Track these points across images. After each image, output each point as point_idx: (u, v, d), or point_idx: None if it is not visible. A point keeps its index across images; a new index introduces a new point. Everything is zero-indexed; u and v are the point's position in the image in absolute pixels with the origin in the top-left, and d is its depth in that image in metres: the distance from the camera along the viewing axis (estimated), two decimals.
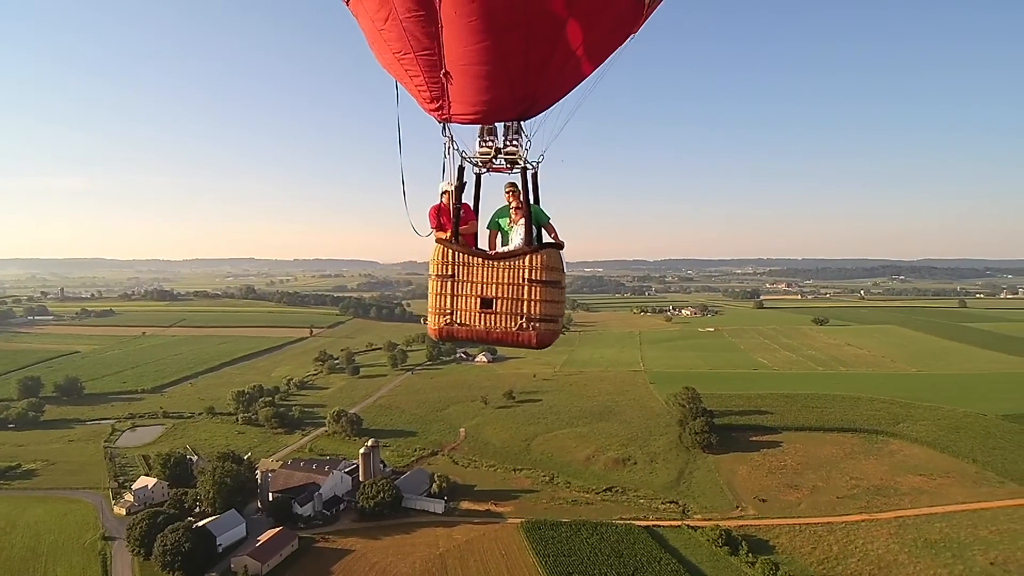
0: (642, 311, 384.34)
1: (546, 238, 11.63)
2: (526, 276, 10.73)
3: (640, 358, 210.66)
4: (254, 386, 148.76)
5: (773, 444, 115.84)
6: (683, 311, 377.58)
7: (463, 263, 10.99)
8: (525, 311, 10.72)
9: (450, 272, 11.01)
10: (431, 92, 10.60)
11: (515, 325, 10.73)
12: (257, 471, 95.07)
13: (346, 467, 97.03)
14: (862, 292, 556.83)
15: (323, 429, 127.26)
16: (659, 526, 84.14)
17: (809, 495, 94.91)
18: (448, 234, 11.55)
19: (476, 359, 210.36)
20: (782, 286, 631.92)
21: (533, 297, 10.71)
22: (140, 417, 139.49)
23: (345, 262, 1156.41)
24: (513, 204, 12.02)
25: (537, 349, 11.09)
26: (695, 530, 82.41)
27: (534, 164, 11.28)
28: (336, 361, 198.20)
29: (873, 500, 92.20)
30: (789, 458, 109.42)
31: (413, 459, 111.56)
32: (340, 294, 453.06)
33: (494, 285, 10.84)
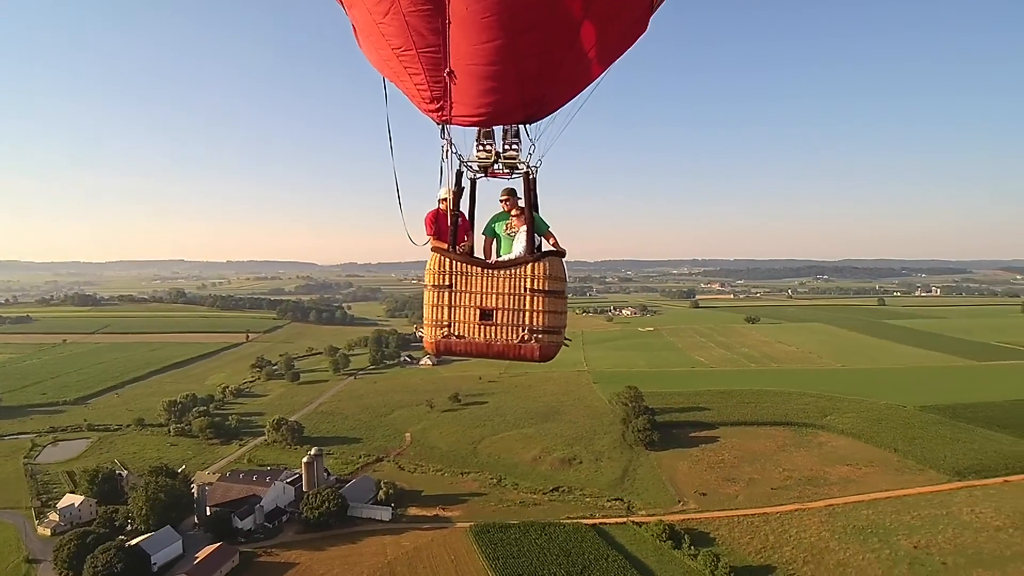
0: (584, 311, 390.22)
1: (546, 246, 11.18)
2: (528, 286, 10.21)
3: (583, 358, 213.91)
4: (187, 395, 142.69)
5: (711, 439, 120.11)
6: (623, 311, 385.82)
7: (461, 272, 10.42)
8: (527, 322, 10.17)
9: (447, 282, 10.41)
10: (432, 92, 10.02)
11: (517, 337, 10.18)
12: (193, 485, 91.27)
13: (288, 477, 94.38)
14: (790, 291, 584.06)
15: (262, 438, 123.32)
16: (605, 524, 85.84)
17: (746, 488, 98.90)
18: (446, 243, 10.98)
19: (421, 362, 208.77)
20: (716, 286, 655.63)
21: (535, 308, 10.19)
22: (62, 431, 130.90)
23: (282, 264, 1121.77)
24: (512, 212, 11.64)
25: (540, 362, 10.55)
26: (640, 526, 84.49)
27: (534, 169, 10.82)
28: (274, 367, 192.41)
29: (805, 490, 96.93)
30: (727, 452, 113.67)
31: (358, 466, 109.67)
32: (277, 297, 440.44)
33: (494, 295, 10.29)
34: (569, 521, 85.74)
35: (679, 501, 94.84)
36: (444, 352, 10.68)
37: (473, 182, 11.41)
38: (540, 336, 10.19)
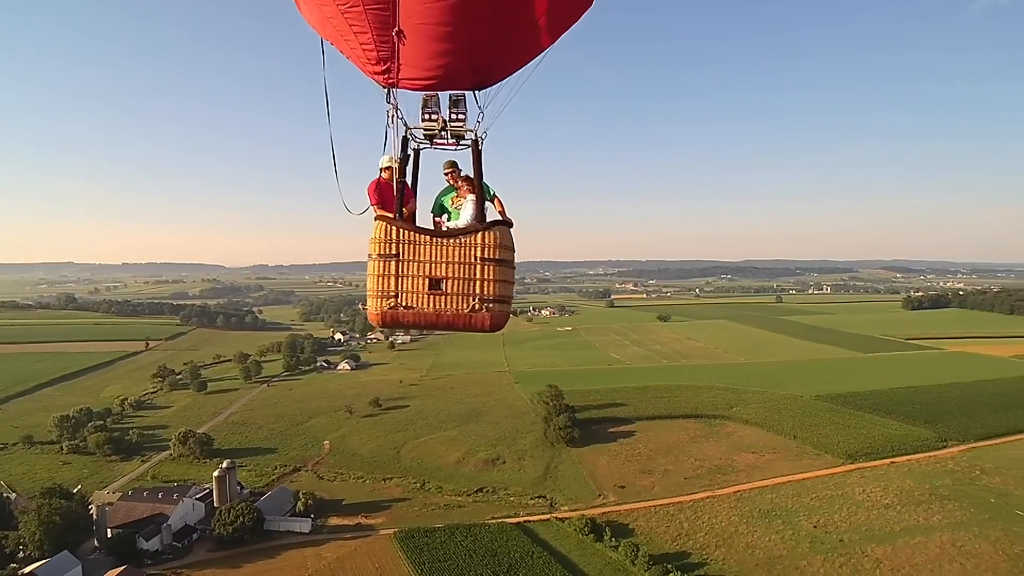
0: None
1: (494, 214, 11.03)
2: (478, 255, 10.01)
3: (504, 359, 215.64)
4: (81, 409, 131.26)
5: (628, 434, 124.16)
6: (543, 312, 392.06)
7: (408, 241, 10.08)
8: (478, 291, 10.00)
9: (394, 251, 10.04)
10: (378, 52, 9.67)
11: (467, 307, 9.98)
12: (92, 505, 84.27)
13: (197, 493, 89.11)
14: (697, 290, 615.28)
15: (167, 453, 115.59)
16: (530, 521, 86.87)
17: (661, 479, 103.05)
18: (390, 212, 10.66)
19: (339, 367, 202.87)
20: (629, 286, 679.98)
21: (486, 276, 10.02)
22: None
23: (185, 266, 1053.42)
24: (458, 184, 11.55)
25: (491, 332, 10.42)
26: (563, 521, 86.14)
27: (482, 138, 10.52)
28: (179, 376, 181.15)
29: (715, 478, 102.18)
30: (643, 446, 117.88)
31: (274, 478, 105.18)
32: (180, 302, 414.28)
33: (444, 264, 10.00)
34: (494, 521, 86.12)
35: (599, 495, 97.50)
36: (390, 323, 10.35)
37: (417, 152, 11.31)
38: (491, 305, 10.08)
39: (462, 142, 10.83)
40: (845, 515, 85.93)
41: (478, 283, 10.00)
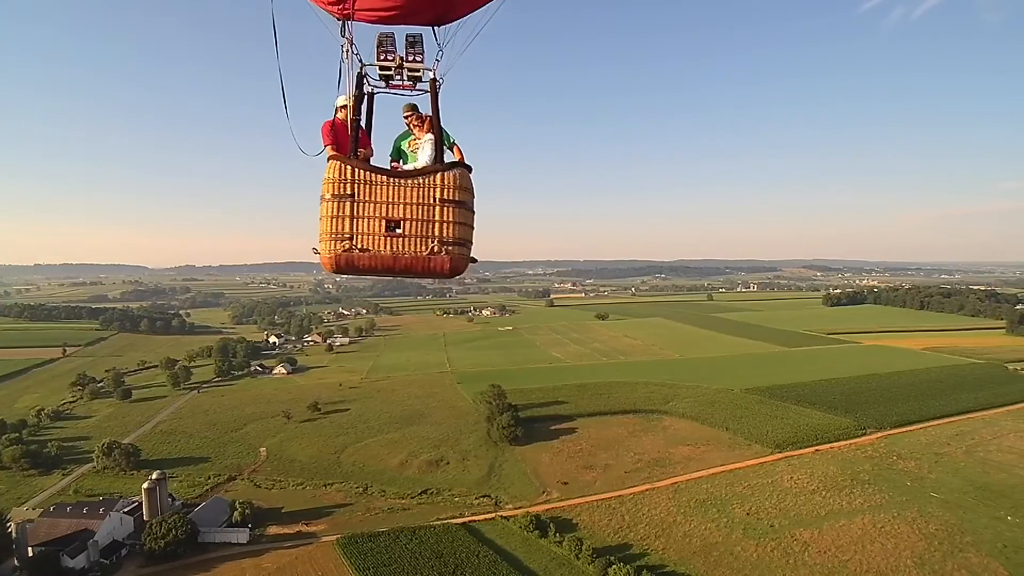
0: (445, 313, 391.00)
1: (452, 159, 10.63)
2: (437, 196, 9.71)
3: (446, 359, 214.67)
4: None
5: (570, 431, 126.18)
6: (483, 311, 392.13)
7: (364, 181, 9.66)
8: (437, 233, 9.70)
9: (349, 191, 9.60)
10: None
11: (426, 249, 9.64)
12: (10, 523, 78.24)
13: (125, 506, 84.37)
14: (633, 289, 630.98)
15: (90, 465, 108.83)
16: (475, 521, 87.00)
17: (602, 473, 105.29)
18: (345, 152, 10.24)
19: (274, 371, 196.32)
20: (568, 285, 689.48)
21: (445, 218, 9.73)
22: None
23: (104, 267, 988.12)
24: (417, 126, 11.13)
25: (449, 277, 10.18)
26: (508, 520, 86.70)
27: (440, 80, 10.16)
28: (100, 384, 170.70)
29: (653, 471, 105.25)
30: (584, 442, 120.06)
31: (207, 487, 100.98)
32: (100, 305, 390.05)
33: (401, 206, 9.67)
34: (439, 523, 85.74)
35: (543, 492, 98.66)
36: (345, 268, 9.79)
37: (371, 96, 10.87)
38: (450, 248, 9.79)
39: (420, 84, 10.51)
40: (775, 501, 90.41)
41: (437, 225, 9.72)
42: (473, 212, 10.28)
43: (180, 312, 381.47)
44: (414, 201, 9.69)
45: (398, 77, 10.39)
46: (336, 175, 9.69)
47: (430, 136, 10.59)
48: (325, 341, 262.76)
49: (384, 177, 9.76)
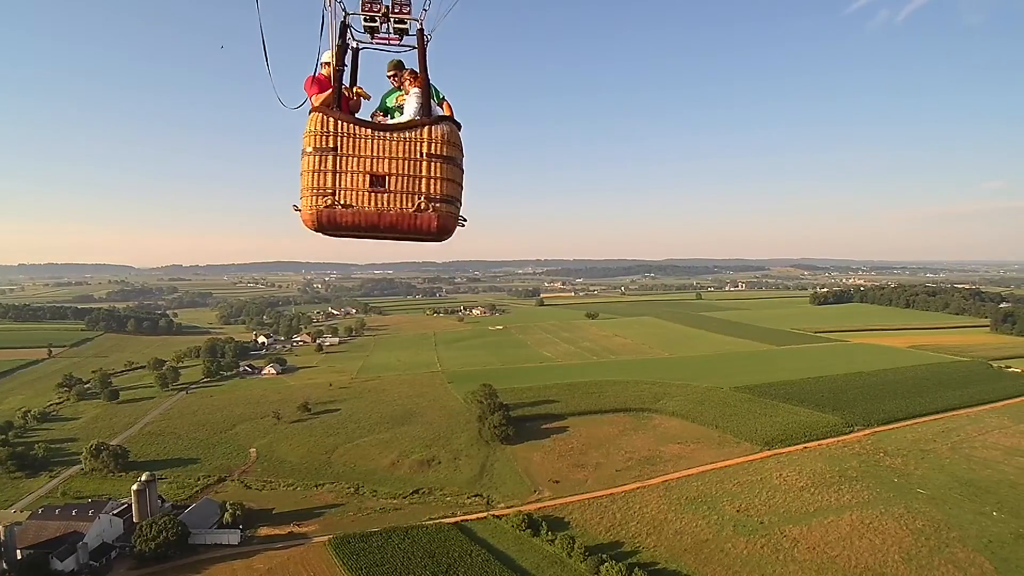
0: (435, 312, 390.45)
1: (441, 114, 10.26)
2: (424, 150, 9.34)
3: (436, 359, 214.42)
4: None
5: (561, 430, 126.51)
6: (473, 311, 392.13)
7: (348, 134, 9.31)
8: (424, 190, 9.31)
9: (331, 144, 9.24)
10: None
11: (412, 206, 9.23)
12: None
13: (115, 508, 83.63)
14: (622, 288, 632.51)
15: (78, 467, 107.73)
16: (467, 520, 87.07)
17: (594, 472, 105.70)
18: (326, 100, 9.82)
19: (263, 371, 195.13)
20: (558, 284, 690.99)
21: (433, 174, 9.35)
22: None
23: (89, 267, 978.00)
24: (404, 80, 10.70)
25: (437, 237, 9.77)
26: (500, 519, 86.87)
27: (429, 34, 9.76)
28: (87, 385, 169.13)
29: (644, 469, 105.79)
30: (575, 441, 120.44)
31: (197, 489, 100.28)
32: (86, 305, 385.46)
33: (386, 160, 9.28)
34: (431, 522, 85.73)
35: (535, 491, 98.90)
36: (327, 225, 9.36)
37: (356, 52, 10.64)
38: (438, 205, 9.37)
39: (406, 37, 10.14)
40: (764, 499, 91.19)
41: (424, 181, 9.34)
42: (462, 169, 9.90)
43: (167, 312, 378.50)
44: (400, 155, 9.32)
45: (384, 28, 9.99)
46: (318, 127, 9.32)
47: (417, 90, 10.15)
48: (314, 341, 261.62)
49: (368, 130, 9.40)
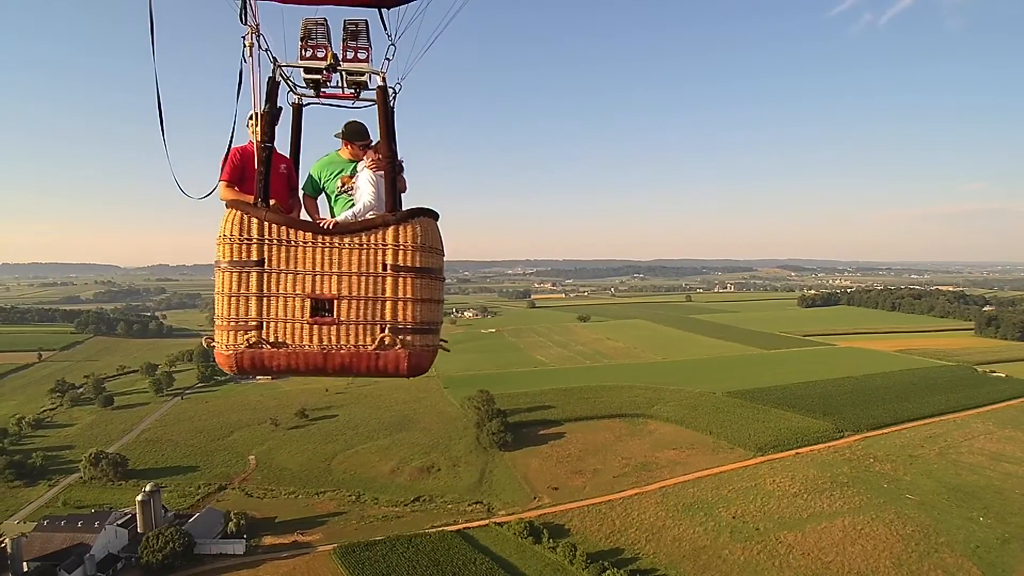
0: None
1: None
2: (389, 261, 6.89)
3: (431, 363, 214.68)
4: None
5: (558, 435, 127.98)
6: (466, 313, 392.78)
7: (280, 241, 6.79)
8: (388, 317, 6.86)
9: (255, 256, 6.75)
10: None
11: (372, 341, 6.80)
12: (3, 537, 77.79)
13: (118, 519, 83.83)
14: (612, 290, 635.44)
15: (77, 476, 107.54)
16: (469, 528, 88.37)
17: (592, 478, 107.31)
18: (251, 195, 7.25)
19: (257, 376, 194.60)
20: (548, 286, 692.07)
21: (401, 294, 6.89)
22: None
23: (74, 266, 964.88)
24: (356, 158, 8.08)
25: (407, 377, 7.25)
26: (501, 526, 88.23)
27: (395, 88, 7.39)
28: (80, 391, 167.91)
29: (641, 475, 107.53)
30: (572, 447, 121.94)
31: (198, 498, 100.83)
32: (73, 307, 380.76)
33: (334, 277, 6.80)
34: (434, 530, 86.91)
35: (534, 497, 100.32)
36: (251, 369, 6.94)
37: (298, 109, 8.22)
38: (408, 337, 6.90)
39: (365, 91, 7.84)
40: (759, 505, 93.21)
41: (388, 304, 6.88)
42: (442, 280, 7.45)
43: (156, 314, 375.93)
44: (354, 269, 6.83)
45: (332, 81, 7.69)
46: (235, 231, 6.78)
47: (368, 169, 7.67)
48: None
49: (309, 235, 6.86)
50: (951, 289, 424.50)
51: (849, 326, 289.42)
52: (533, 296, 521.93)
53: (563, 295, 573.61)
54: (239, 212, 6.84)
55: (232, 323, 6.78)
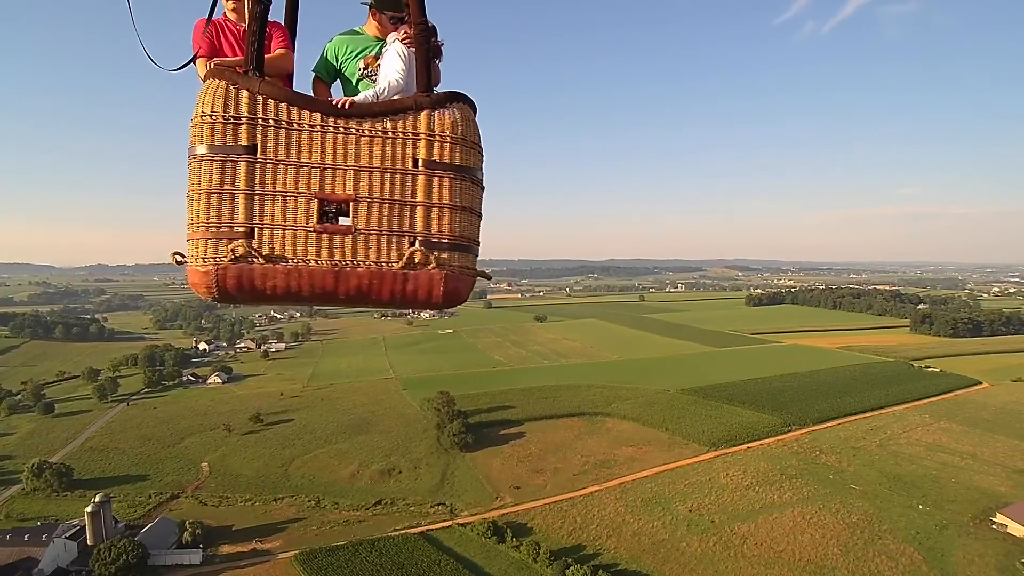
0: (382, 315, 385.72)
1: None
2: (421, 154, 5.38)
3: (388, 364, 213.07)
4: None
5: (518, 435, 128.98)
6: (423, 314, 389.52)
7: (279, 122, 5.19)
8: (419, 227, 5.40)
9: (247, 141, 5.15)
10: None
11: (399, 257, 5.31)
12: None
13: (67, 531, 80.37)
14: (567, 290, 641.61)
15: (18, 487, 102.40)
16: (432, 529, 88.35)
17: (552, 477, 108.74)
18: (238, 62, 5.60)
19: (208, 380, 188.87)
20: (504, 285, 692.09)
21: (435, 199, 5.42)
22: None
23: (6, 266, 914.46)
24: (382, 35, 6.30)
25: (442, 308, 5.95)
26: (465, 527, 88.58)
27: None
28: (17, 398, 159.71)
29: (600, 472, 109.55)
30: (532, 446, 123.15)
31: (150, 507, 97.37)
32: (6, 309, 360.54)
33: (350, 173, 5.26)
34: (397, 533, 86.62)
35: (497, 497, 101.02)
36: (236, 291, 5.27)
37: None
38: (444, 255, 5.49)
39: None
40: (714, 498, 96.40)
41: (419, 211, 5.40)
42: (482, 188, 5.88)
43: (96, 316, 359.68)
44: (375, 164, 5.32)
45: None
46: (218, 107, 5.15)
47: (398, 44, 5.87)
48: (260, 347, 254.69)
49: (317, 116, 5.28)
50: (888, 288, 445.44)
51: (794, 324, 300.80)
52: (489, 296, 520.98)
53: (519, 295, 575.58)
54: (223, 82, 5.19)
55: (212, 229, 5.14)
